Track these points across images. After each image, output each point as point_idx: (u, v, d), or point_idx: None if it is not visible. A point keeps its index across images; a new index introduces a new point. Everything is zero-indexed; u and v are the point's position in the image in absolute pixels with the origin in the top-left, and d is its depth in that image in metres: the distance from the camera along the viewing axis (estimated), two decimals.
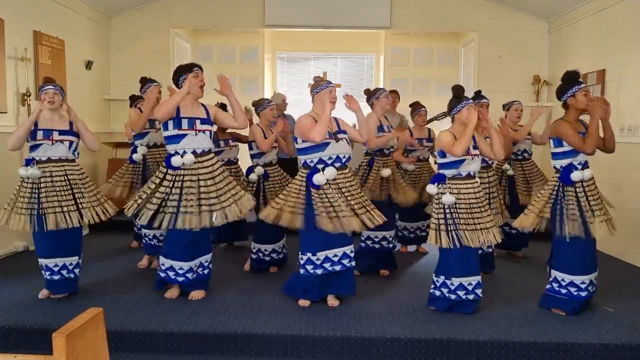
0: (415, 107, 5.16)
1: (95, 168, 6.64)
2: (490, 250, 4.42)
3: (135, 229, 5.28)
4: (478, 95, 4.50)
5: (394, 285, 4.17)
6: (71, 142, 3.67)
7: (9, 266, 4.52)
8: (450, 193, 3.42)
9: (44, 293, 3.71)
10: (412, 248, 5.44)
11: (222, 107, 5.05)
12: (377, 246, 4.40)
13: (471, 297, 3.48)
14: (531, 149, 5.10)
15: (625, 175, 5.09)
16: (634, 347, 3.07)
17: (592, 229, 3.42)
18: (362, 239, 4.41)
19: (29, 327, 3.21)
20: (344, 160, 3.57)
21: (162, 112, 3.53)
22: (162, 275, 3.71)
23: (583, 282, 3.48)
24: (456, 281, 3.47)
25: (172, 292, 3.75)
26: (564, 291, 3.53)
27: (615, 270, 4.72)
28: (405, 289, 4.06)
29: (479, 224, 3.42)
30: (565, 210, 3.44)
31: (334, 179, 3.50)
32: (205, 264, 3.78)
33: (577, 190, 3.46)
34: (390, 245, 4.46)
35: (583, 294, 3.49)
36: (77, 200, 3.64)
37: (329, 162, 3.51)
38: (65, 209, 3.58)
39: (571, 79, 3.53)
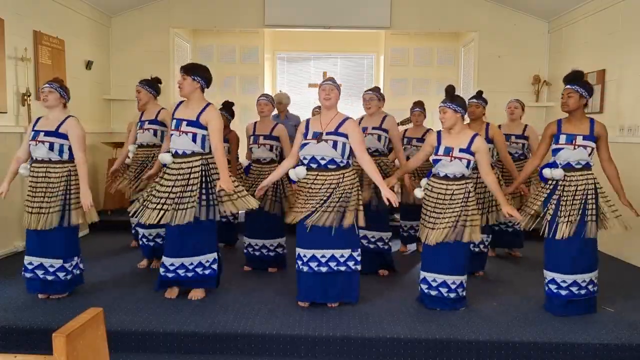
0: (413, 106, 5.17)
1: (95, 168, 6.64)
2: (477, 250, 4.39)
3: (132, 230, 5.27)
4: (477, 95, 4.50)
5: (394, 285, 4.17)
6: (52, 144, 3.60)
7: (9, 266, 4.52)
8: (427, 190, 3.57)
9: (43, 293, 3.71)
10: (412, 247, 5.44)
11: (227, 105, 5.06)
12: (372, 246, 4.39)
13: (434, 293, 3.53)
14: (521, 151, 5.05)
15: (625, 175, 5.06)
16: (634, 347, 3.07)
17: (560, 230, 3.43)
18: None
19: (29, 327, 3.21)
20: (323, 162, 3.50)
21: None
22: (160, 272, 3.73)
23: (564, 281, 3.51)
24: (422, 274, 3.61)
25: (172, 292, 3.75)
26: (545, 289, 3.60)
27: (615, 270, 4.72)
28: (405, 289, 4.05)
29: (432, 222, 3.49)
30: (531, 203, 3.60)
31: (307, 179, 3.52)
32: (206, 264, 3.71)
33: (550, 188, 3.50)
34: (386, 247, 4.43)
35: (563, 292, 3.51)
36: (44, 204, 3.60)
37: (305, 162, 3.55)
38: (34, 210, 3.60)
39: (564, 79, 3.57)
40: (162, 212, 3.52)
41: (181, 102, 3.73)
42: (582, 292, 3.49)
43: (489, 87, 6.30)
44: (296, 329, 3.22)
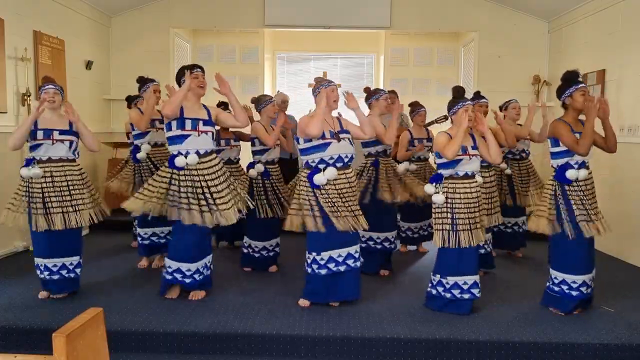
0: (415, 107, 5.17)
1: (95, 168, 6.64)
2: (488, 250, 4.40)
3: (134, 229, 5.27)
4: (477, 95, 4.51)
5: (394, 285, 4.17)
6: (71, 142, 3.67)
7: (9, 266, 4.52)
8: (445, 193, 3.45)
9: (43, 293, 3.71)
10: (412, 247, 5.44)
11: (224, 106, 5.06)
12: (379, 247, 4.40)
13: (467, 296, 3.48)
14: (529, 149, 5.09)
15: (625, 175, 5.09)
16: (634, 347, 3.07)
17: (585, 229, 3.42)
18: (363, 239, 4.40)
19: (29, 327, 3.21)
20: (346, 160, 3.55)
21: (170, 109, 3.51)
22: (169, 277, 3.69)
23: (574, 282, 3.49)
24: (451, 280, 3.50)
25: (172, 292, 3.75)
26: (557, 289, 3.56)
27: (615, 270, 4.72)
28: (405, 289, 4.06)
29: (475, 223, 3.44)
30: (561, 210, 3.46)
31: (340, 180, 3.50)
32: (209, 265, 3.80)
33: (573, 189, 3.46)
34: (392, 246, 4.46)
35: (574, 293, 3.50)
36: (75, 201, 3.64)
37: (330, 162, 3.50)
38: (65, 209, 3.59)
39: (569, 79, 3.54)
40: (202, 213, 3.53)
41: None
42: (589, 290, 3.53)
43: (489, 87, 6.30)
44: (296, 329, 3.22)
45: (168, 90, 3.86)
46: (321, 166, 3.50)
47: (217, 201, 3.57)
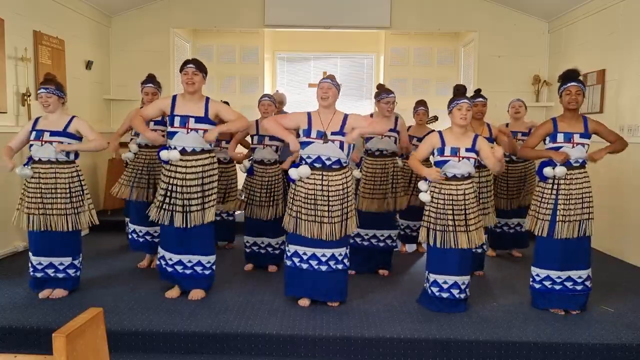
0: (417, 105, 5.18)
1: (95, 168, 6.64)
2: (479, 250, 4.40)
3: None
4: (476, 94, 4.50)
5: (393, 285, 4.17)
6: (61, 144, 3.60)
7: (9, 266, 4.52)
8: (432, 192, 3.49)
9: (44, 293, 3.70)
10: (411, 248, 5.44)
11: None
12: (381, 244, 4.40)
13: (445, 295, 3.50)
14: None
15: (625, 175, 5.08)
16: (634, 347, 3.07)
17: (557, 229, 3.46)
18: (366, 237, 4.40)
19: (29, 327, 3.21)
20: (328, 162, 3.49)
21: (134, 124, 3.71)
22: (157, 263, 3.81)
23: (537, 275, 3.59)
24: (432, 277, 3.56)
25: (172, 292, 3.76)
26: (537, 286, 3.63)
27: (615, 270, 4.72)
28: (405, 289, 4.05)
29: (458, 226, 3.44)
30: (541, 207, 3.54)
31: (310, 180, 3.49)
32: (208, 265, 3.75)
33: (551, 187, 3.50)
34: (393, 244, 4.45)
35: (537, 285, 3.60)
36: (57, 204, 3.61)
37: (308, 161, 3.51)
38: (46, 212, 3.59)
39: (562, 78, 3.56)
40: (176, 213, 3.58)
41: (175, 96, 3.69)
42: (579, 287, 3.53)
43: (489, 87, 6.29)
44: (296, 329, 3.22)
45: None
46: (302, 162, 3.54)
47: (189, 202, 3.59)
